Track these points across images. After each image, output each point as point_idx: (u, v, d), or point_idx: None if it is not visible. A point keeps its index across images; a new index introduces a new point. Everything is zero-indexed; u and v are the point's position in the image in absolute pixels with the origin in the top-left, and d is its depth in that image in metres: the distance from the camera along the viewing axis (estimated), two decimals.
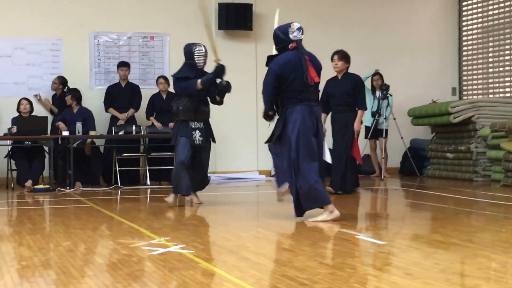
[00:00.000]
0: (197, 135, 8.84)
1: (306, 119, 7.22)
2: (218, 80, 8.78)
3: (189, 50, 8.88)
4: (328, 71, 9.63)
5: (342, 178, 9.99)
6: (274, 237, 6.53)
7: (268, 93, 7.38)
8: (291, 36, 7.33)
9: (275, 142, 7.44)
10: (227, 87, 8.86)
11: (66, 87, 12.38)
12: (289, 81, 7.24)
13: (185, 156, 8.71)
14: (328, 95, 10.15)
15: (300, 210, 7.40)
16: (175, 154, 9.06)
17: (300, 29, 7.39)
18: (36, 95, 12.69)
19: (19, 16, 12.73)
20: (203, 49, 8.89)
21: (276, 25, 7.96)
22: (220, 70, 8.77)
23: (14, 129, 11.76)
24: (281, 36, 7.41)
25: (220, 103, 9.09)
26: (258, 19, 13.72)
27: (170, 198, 9.03)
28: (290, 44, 7.34)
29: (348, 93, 10.06)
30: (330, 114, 10.34)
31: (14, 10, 12.71)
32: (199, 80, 8.66)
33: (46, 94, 12.84)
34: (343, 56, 10.13)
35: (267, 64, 7.51)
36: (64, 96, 12.25)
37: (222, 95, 8.94)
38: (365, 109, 10.30)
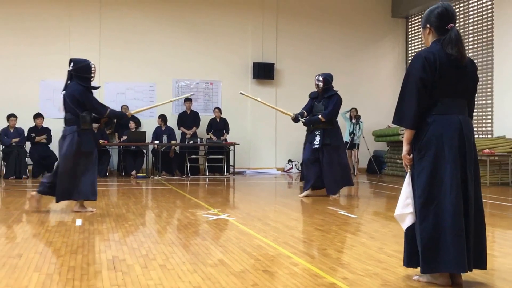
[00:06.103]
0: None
1: None
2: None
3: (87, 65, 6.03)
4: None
5: None
6: (286, 211, 6.49)
7: None
8: None
9: None
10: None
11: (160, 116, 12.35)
12: None
13: None
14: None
15: None
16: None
17: None
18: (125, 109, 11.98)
19: (129, 67, 12.78)
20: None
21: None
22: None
23: (124, 138, 11.82)
24: None
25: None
26: (278, 72, 13.67)
27: None
28: None
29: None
30: None
31: (126, 63, 12.76)
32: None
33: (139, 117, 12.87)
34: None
35: None
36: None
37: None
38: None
